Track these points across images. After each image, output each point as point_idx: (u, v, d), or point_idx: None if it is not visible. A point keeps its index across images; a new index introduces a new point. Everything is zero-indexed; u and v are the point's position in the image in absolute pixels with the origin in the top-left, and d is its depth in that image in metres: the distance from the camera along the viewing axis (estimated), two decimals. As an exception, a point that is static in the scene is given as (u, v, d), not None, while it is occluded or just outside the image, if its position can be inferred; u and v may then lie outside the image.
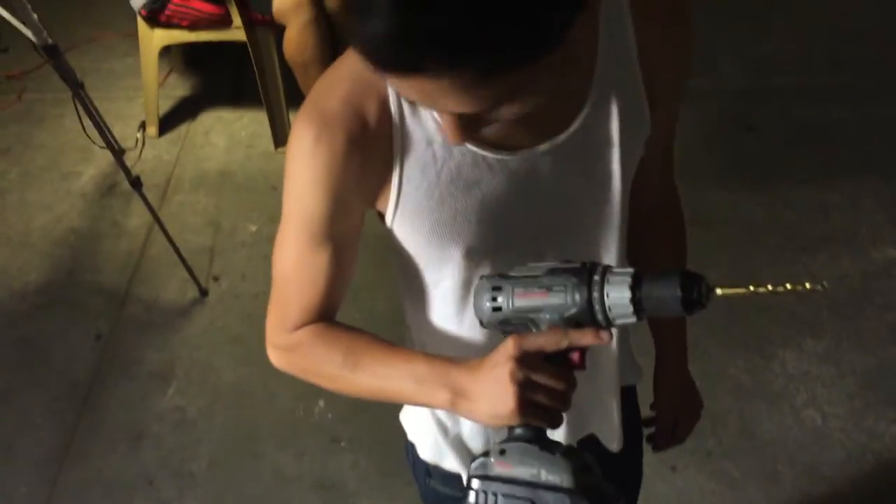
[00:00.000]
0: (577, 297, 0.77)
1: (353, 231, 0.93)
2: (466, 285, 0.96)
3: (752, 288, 0.74)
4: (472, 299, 0.88)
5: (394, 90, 0.84)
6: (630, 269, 0.77)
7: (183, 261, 2.39)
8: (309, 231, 0.92)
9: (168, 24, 2.66)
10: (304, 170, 0.88)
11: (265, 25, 2.64)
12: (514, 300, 0.80)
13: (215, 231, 2.62)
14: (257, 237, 2.60)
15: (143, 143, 2.87)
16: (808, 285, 0.73)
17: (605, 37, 0.87)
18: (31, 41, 2.24)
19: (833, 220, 2.60)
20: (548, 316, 0.79)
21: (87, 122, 2.34)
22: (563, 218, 0.95)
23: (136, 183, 2.26)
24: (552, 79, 0.73)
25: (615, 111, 0.89)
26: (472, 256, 0.94)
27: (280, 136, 2.86)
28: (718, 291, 0.74)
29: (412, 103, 0.85)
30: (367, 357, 0.92)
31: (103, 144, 2.40)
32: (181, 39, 2.74)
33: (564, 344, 0.78)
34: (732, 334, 2.26)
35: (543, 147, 0.89)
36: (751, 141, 2.85)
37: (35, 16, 2.01)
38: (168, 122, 2.99)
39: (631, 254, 1.04)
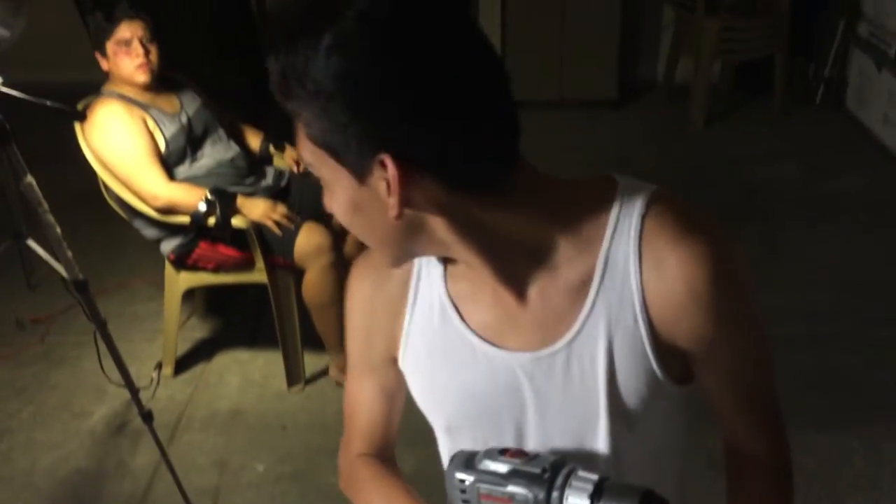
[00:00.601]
0: (538, 487, 0.79)
1: (389, 368, 1.02)
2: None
3: None
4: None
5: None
6: (595, 477, 0.76)
7: (187, 502, 2.32)
8: (355, 362, 1.05)
9: (194, 268, 2.78)
10: (349, 307, 1.02)
11: (286, 269, 2.75)
12: (480, 496, 0.82)
13: (221, 471, 2.57)
14: (264, 477, 2.54)
15: (158, 383, 2.90)
16: None
17: (603, 273, 0.87)
18: (60, 279, 2.35)
19: (856, 466, 2.53)
20: None
21: (105, 361, 2.41)
22: (548, 428, 0.95)
23: (147, 416, 2.26)
24: (358, 212, 0.83)
25: (602, 344, 0.89)
26: (453, 434, 0.99)
27: (293, 376, 2.89)
28: None
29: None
30: (391, 493, 1.01)
31: (118, 382, 2.43)
32: (205, 282, 2.85)
33: None
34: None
35: (526, 355, 0.91)
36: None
37: (69, 252, 2.13)
38: (184, 363, 3.04)
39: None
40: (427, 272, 0.94)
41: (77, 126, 2.65)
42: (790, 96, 4.76)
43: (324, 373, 2.95)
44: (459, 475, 0.83)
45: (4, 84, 2.03)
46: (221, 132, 2.85)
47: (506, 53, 4.82)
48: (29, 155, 2.08)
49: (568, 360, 0.90)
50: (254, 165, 2.89)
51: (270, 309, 2.81)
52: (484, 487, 0.81)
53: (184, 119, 2.73)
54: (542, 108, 4.63)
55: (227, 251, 2.71)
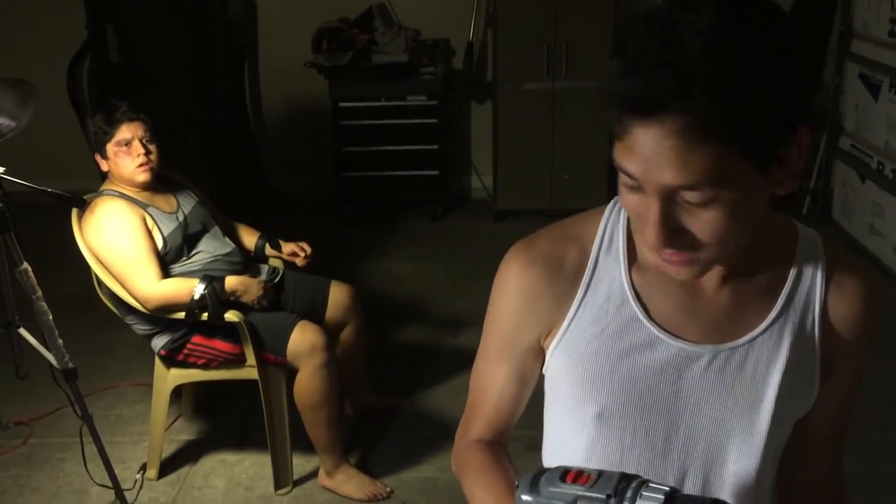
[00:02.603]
0: None
1: (531, 357, 1.04)
2: (593, 448, 1.00)
3: None
4: (597, 464, 0.94)
5: (603, 230, 1.01)
6: (666, 488, 0.76)
7: None
8: (496, 345, 1.07)
9: (184, 364, 2.75)
10: (504, 291, 1.03)
11: (278, 366, 2.72)
12: None
13: (204, 576, 2.47)
14: (248, 583, 2.44)
15: (142, 485, 2.82)
16: None
17: (794, 283, 0.97)
18: (49, 368, 2.33)
19: None
20: None
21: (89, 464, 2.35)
22: (701, 421, 0.97)
23: (130, 512, 2.18)
24: (744, 210, 0.83)
25: (785, 350, 0.96)
26: (603, 421, 0.99)
27: (281, 479, 2.81)
28: None
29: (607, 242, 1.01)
30: (486, 493, 1.01)
31: (101, 482, 2.37)
32: (195, 378, 2.81)
33: None
34: None
35: (703, 348, 0.96)
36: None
37: (60, 341, 2.11)
38: (169, 465, 2.96)
39: None
40: (606, 266, 0.99)
41: (74, 217, 2.66)
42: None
43: (313, 474, 2.87)
44: (525, 497, 0.83)
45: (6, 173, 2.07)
46: (217, 230, 2.88)
47: (497, 168, 4.94)
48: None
49: (745, 356, 0.96)
50: (248, 262, 2.90)
51: (260, 411, 2.76)
52: None
53: (181, 217, 2.77)
54: (534, 217, 4.70)
55: (220, 345, 2.69)
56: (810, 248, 0.99)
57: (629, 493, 0.76)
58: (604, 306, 0.98)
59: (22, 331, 2.34)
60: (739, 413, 0.97)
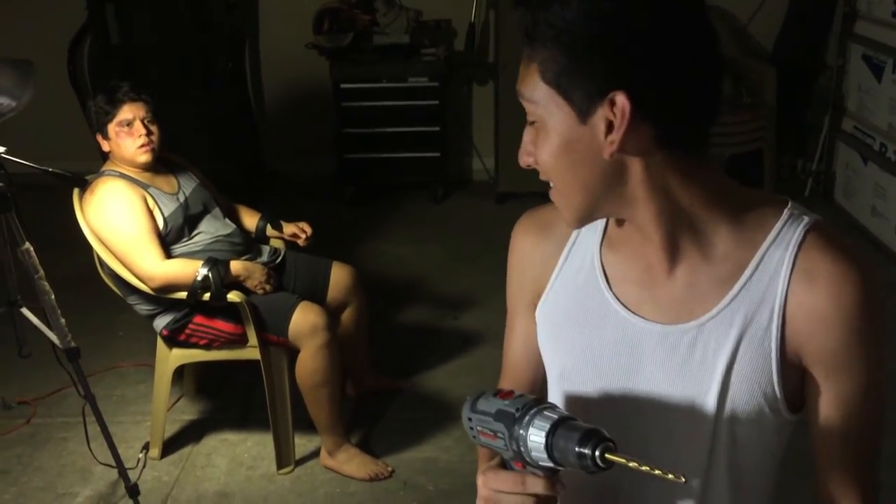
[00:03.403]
0: (510, 441, 0.87)
1: (533, 317, 1.10)
2: (563, 405, 1.05)
3: (633, 464, 0.81)
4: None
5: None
6: (555, 416, 0.84)
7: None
8: (510, 307, 1.15)
9: (186, 344, 2.76)
10: (509, 256, 1.13)
11: (280, 346, 2.73)
12: (479, 435, 0.93)
13: (207, 554, 2.48)
14: (251, 561, 2.46)
15: (144, 464, 2.84)
16: (670, 476, 0.79)
17: (754, 270, 0.95)
18: (51, 348, 2.34)
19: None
20: (504, 455, 0.92)
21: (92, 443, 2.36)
22: (654, 400, 0.99)
23: (133, 490, 2.20)
24: (568, 151, 0.92)
25: (734, 334, 0.95)
26: (563, 382, 1.06)
27: (283, 458, 2.83)
28: (608, 455, 0.81)
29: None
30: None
31: (104, 461, 2.38)
32: (197, 358, 2.82)
33: (519, 489, 0.90)
34: None
35: (654, 326, 0.98)
36: None
37: (63, 321, 2.12)
38: (172, 445, 2.97)
39: None
40: (585, 238, 1.05)
41: (76, 196, 2.67)
42: (780, 189, 4.84)
43: (315, 454, 2.89)
44: (465, 414, 0.94)
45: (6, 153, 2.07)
46: (218, 211, 2.88)
47: (499, 150, 4.93)
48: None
49: (695, 340, 0.96)
50: (250, 243, 2.91)
51: (261, 391, 2.78)
52: (478, 425, 0.92)
53: (181, 198, 2.77)
54: (535, 199, 4.69)
55: (222, 325, 2.70)
56: (785, 236, 0.94)
57: (531, 412, 0.86)
58: (576, 275, 1.05)
59: (24, 310, 2.35)
60: (688, 400, 0.97)
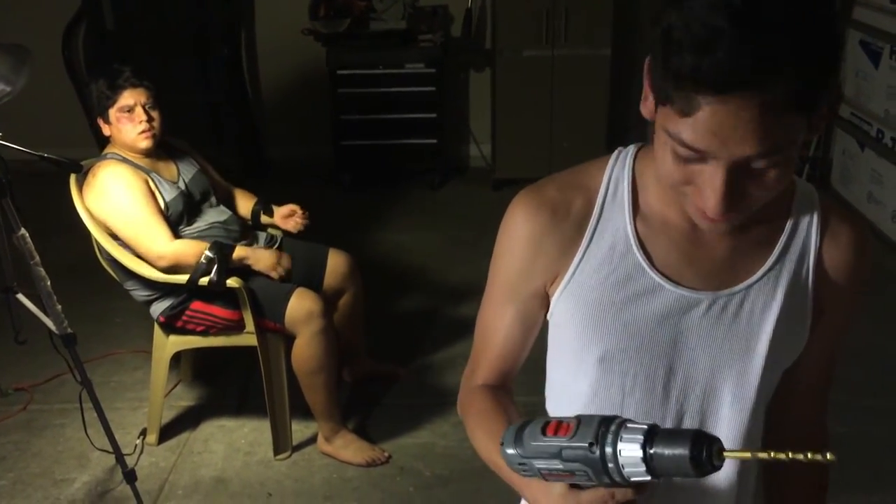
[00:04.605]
0: (600, 475, 0.80)
1: (535, 301, 1.07)
2: (596, 392, 1.03)
3: (753, 454, 0.78)
4: (599, 408, 0.99)
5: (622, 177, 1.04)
6: (644, 426, 0.78)
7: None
8: (501, 289, 1.09)
9: (183, 330, 2.76)
10: (510, 236, 1.05)
11: (276, 333, 2.73)
12: (543, 475, 0.84)
13: (205, 539, 2.49)
14: (248, 546, 2.47)
15: (142, 450, 2.85)
16: (809, 455, 0.75)
17: (791, 233, 1.02)
18: (48, 334, 2.34)
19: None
20: (579, 481, 0.83)
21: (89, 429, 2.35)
22: (698, 365, 1.01)
23: (130, 476, 2.21)
24: (793, 159, 0.87)
25: (780, 296, 1.00)
26: (605, 364, 1.02)
27: (280, 444, 2.83)
28: (725, 454, 0.76)
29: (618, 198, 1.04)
30: (489, 439, 1.01)
31: (101, 447, 2.39)
32: (194, 344, 2.82)
33: (611, 502, 0.83)
34: None
35: (703, 294, 1.00)
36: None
37: (59, 307, 2.12)
38: (169, 431, 2.98)
39: (766, 479, 1.13)
40: (610, 216, 1.02)
41: (73, 183, 2.66)
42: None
43: (311, 440, 2.89)
44: (514, 457, 0.85)
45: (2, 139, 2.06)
46: (214, 198, 2.87)
47: (496, 136, 4.92)
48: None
49: (742, 302, 1.00)
50: (246, 229, 2.90)
51: (258, 377, 2.78)
52: (544, 468, 0.83)
53: (182, 185, 2.76)
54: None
55: (219, 311, 2.70)
56: (807, 200, 1.03)
57: (609, 438, 0.78)
58: (608, 254, 1.01)
59: (20, 296, 2.35)
60: (735, 357, 1.01)
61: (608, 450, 0.78)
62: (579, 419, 0.82)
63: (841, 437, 2.86)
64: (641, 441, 0.77)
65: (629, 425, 0.79)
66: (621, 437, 0.78)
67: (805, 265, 1.02)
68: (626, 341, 1.01)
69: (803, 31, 0.79)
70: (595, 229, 1.02)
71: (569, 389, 1.09)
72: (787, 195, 1.02)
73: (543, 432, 0.82)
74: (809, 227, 1.02)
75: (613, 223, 1.02)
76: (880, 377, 3.22)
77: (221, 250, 2.60)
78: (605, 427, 0.79)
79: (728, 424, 1.03)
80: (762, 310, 1.00)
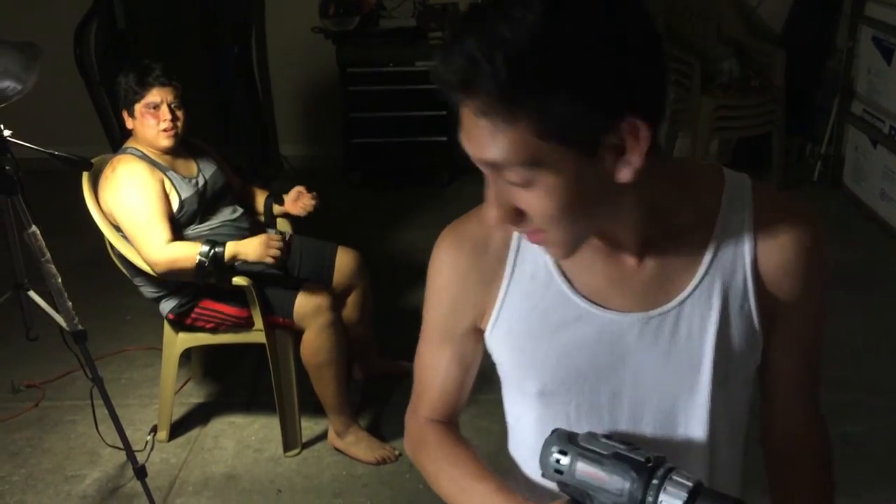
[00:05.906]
0: (633, 493, 0.80)
1: (469, 340, 1.05)
2: (542, 424, 0.99)
3: None
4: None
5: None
6: (690, 484, 0.78)
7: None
8: (435, 331, 1.07)
9: (192, 328, 2.76)
10: (436, 276, 1.05)
11: (285, 328, 2.74)
12: (577, 472, 0.83)
13: (215, 535, 2.50)
14: (258, 542, 2.47)
15: (152, 447, 2.86)
16: None
17: (720, 238, 0.95)
18: (59, 331, 2.35)
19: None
20: (603, 498, 0.82)
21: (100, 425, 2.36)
22: (644, 389, 0.98)
23: (141, 472, 2.21)
24: (574, 194, 0.82)
25: (717, 308, 0.95)
26: (546, 398, 1.00)
27: (290, 440, 2.84)
28: None
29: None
30: (456, 469, 1.03)
31: (112, 443, 2.39)
32: (203, 342, 2.83)
33: None
34: None
35: (633, 316, 0.95)
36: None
37: (70, 304, 2.13)
38: (179, 427, 2.99)
39: (773, 490, 1.07)
40: (528, 244, 0.97)
41: (85, 180, 2.67)
42: (788, 173, 4.82)
43: (321, 437, 2.90)
44: (558, 448, 0.86)
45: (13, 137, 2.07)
46: (229, 196, 2.88)
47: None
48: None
49: (678, 319, 0.95)
50: (256, 227, 2.91)
51: (268, 374, 2.79)
52: (582, 465, 0.84)
53: (200, 183, 2.77)
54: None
55: (228, 309, 2.70)
56: (737, 198, 0.96)
57: (660, 471, 0.79)
58: (531, 285, 0.99)
59: (32, 293, 2.36)
60: (681, 377, 0.96)
61: (654, 482, 0.79)
62: (634, 444, 0.84)
63: (855, 435, 2.86)
64: (685, 499, 0.77)
65: (675, 477, 0.79)
66: (665, 489, 0.78)
67: (741, 271, 0.95)
68: (562, 372, 0.98)
69: (513, 41, 0.76)
70: (515, 260, 0.99)
71: (520, 422, 1.07)
72: (714, 195, 0.95)
73: (606, 437, 0.85)
74: (741, 231, 0.95)
75: (532, 253, 0.99)
76: (894, 375, 3.20)
77: (211, 253, 2.55)
78: (661, 461, 0.81)
79: (689, 446, 0.99)
80: (700, 325, 0.95)
